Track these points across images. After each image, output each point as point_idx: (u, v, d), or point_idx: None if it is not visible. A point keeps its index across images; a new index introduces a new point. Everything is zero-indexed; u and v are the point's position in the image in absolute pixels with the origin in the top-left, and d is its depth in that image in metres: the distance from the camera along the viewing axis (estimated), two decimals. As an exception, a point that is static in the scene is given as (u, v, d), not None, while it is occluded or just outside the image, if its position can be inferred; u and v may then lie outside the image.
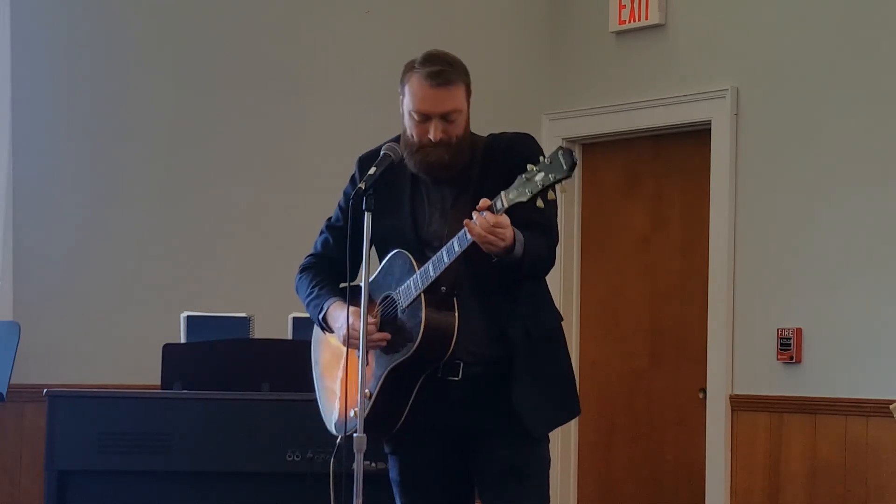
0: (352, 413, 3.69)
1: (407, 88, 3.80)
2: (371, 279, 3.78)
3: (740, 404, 6.24)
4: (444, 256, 3.61)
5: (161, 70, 6.19)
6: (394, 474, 3.91)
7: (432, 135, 3.76)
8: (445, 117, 3.81)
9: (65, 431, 4.85)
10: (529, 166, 3.54)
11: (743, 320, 6.25)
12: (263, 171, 6.40)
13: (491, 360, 3.72)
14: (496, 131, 7.20)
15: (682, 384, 6.59)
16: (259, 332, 5.56)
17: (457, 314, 3.68)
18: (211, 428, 4.89)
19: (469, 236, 3.54)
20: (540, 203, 3.55)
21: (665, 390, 6.70)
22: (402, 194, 3.84)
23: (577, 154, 7.14)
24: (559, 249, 7.47)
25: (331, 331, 3.83)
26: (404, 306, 3.71)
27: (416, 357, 3.67)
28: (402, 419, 3.73)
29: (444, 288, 3.67)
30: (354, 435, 3.71)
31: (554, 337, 3.85)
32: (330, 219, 4.05)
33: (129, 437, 4.85)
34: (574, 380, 3.90)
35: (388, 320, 3.75)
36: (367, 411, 3.68)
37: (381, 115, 6.61)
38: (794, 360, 6.02)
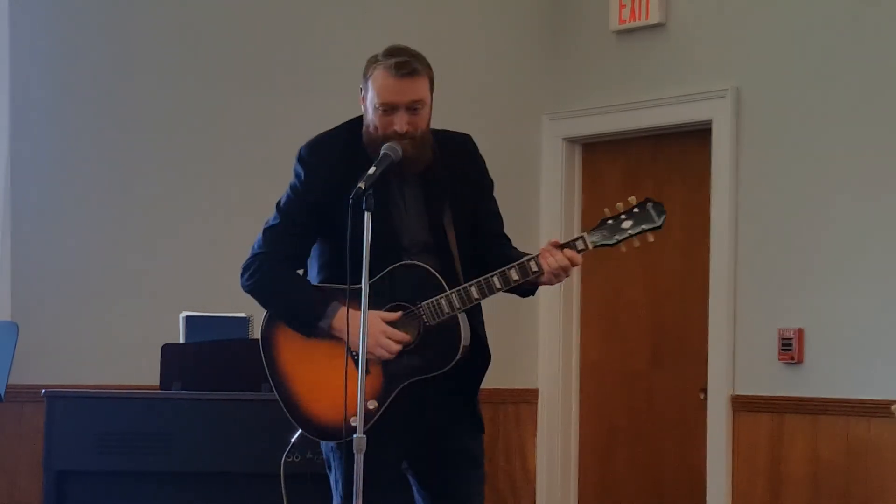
0: (353, 420, 3.60)
1: (371, 83, 3.80)
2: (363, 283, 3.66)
3: (741, 405, 6.23)
4: (497, 283, 3.70)
5: (161, 70, 6.19)
6: (341, 472, 3.80)
7: (398, 126, 3.75)
8: (411, 108, 3.78)
9: (63, 432, 4.85)
10: (616, 211, 3.75)
11: (744, 320, 6.24)
12: (264, 171, 6.38)
13: (465, 360, 3.78)
14: (496, 131, 7.21)
15: (682, 384, 6.58)
16: (258, 332, 5.52)
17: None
18: (210, 428, 4.89)
19: (534, 268, 3.67)
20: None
21: (666, 391, 6.69)
22: (393, 199, 3.82)
23: (578, 154, 7.14)
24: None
25: (328, 335, 3.73)
26: (432, 322, 3.73)
27: (445, 373, 3.73)
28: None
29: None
30: (354, 436, 3.70)
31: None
32: (280, 214, 3.91)
33: (127, 438, 4.85)
34: None
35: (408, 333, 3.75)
36: (373, 421, 3.68)
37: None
38: (795, 361, 6.02)
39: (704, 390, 6.42)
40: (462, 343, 3.73)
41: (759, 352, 6.16)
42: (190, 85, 6.24)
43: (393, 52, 3.78)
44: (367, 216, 3.66)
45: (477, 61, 7.01)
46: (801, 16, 6.14)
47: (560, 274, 3.73)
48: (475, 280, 3.72)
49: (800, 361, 6.02)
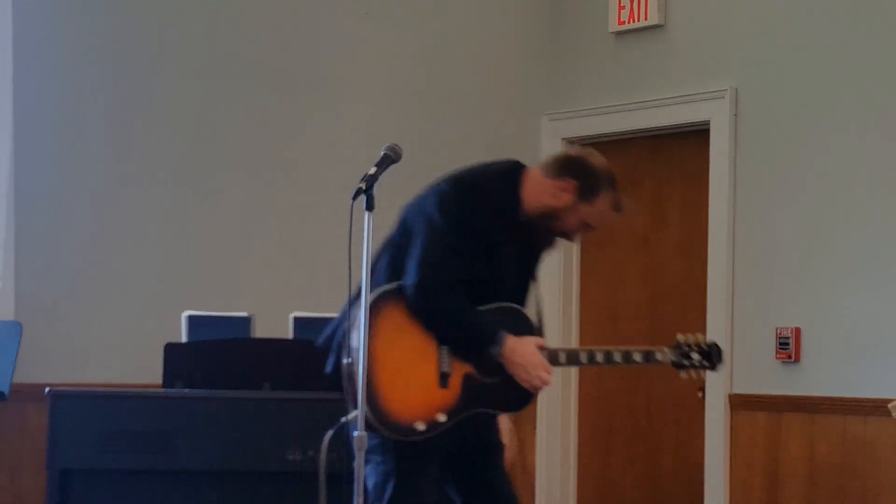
0: (419, 425, 3.93)
1: (593, 202, 4.10)
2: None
3: (739, 403, 6.25)
4: (619, 359, 4.11)
5: (164, 69, 6.20)
6: (392, 466, 3.98)
7: (576, 240, 4.25)
8: None
9: (67, 430, 4.85)
10: (689, 341, 4.18)
11: (742, 320, 6.26)
12: (264, 171, 6.41)
13: None
14: (496, 131, 7.22)
15: (680, 383, 6.52)
16: (259, 331, 5.57)
17: None
18: (212, 427, 4.90)
19: (658, 357, 4.15)
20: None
21: (664, 389, 6.71)
22: (507, 245, 4.09)
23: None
24: (559, 248, 7.51)
25: (498, 356, 3.98)
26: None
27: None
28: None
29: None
30: (354, 434, 3.76)
31: None
32: (444, 241, 4.01)
33: (130, 436, 4.86)
34: None
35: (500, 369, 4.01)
36: (435, 433, 3.95)
37: (382, 115, 6.66)
38: (792, 360, 6.04)
39: (702, 389, 6.44)
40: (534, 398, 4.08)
41: (756, 351, 6.19)
42: (192, 84, 6.26)
43: (615, 181, 4.12)
44: (368, 216, 3.75)
45: (477, 62, 7.03)
46: (800, 16, 6.16)
47: None
48: (603, 348, 4.12)
49: (797, 360, 6.04)
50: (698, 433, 6.43)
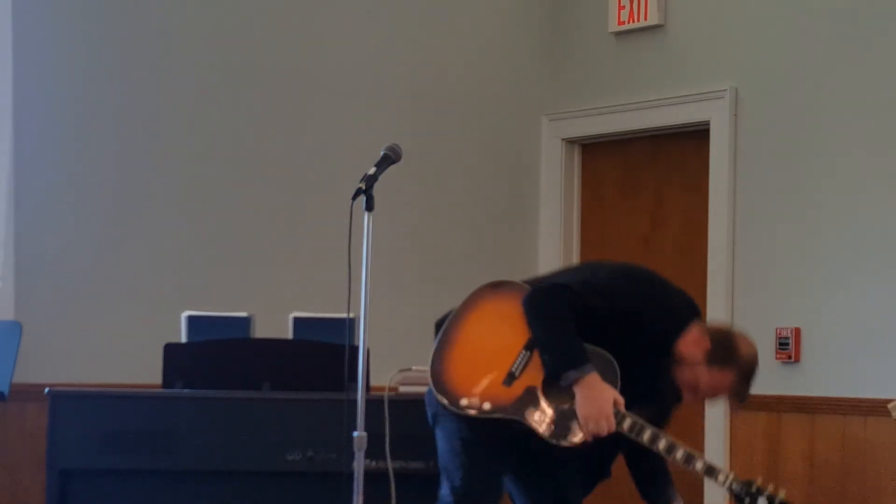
0: (464, 401, 4.05)
1: (718, 373, 4.15)
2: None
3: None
4: (679, 457, 4.06)
5: (161, 71, 6.20)
6: (468, 457, 4.14)
7: (686, 396, 4.26)
8: None
9: (66, 430, 4.85)
10: (765, 487, 4.11)
11: (741, 320, 6.25)
12: (264, 171, 6.42)
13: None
14: (496, 131, 7.22)
15: (681, 384, 6.60)
16: (259, 332, 5.57)
17: None
18: (212, 427, 4.90)
19: (715, 478, 4.08)
20: None
21: (664, 390, 6.71)
22: (644, 359, 4.19)
23: (577, 154, 7.17)
24: (559, 249, 7.48)
25: (574, 381, 4.01)
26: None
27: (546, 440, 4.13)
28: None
29: None
30: (354, 434, 3.77)
31: None
32: (581, 285, 4.15)
33: (130, 437, 4.86)
34: None
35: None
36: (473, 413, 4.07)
37: (382, 115, 6.66)
38: (792, 360, 6.04)
39: (702, 389, 6.45)
40: (579, 443, 4.07)
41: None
42: (192, 85, 6.26)
43: (751, 375, 4.20)
44: (368, 216, 3.77)
45: (477, 62, 7.03)
46: (799, 17, 6.17)
47: None
48: (670, 438, 4.08)
49: (797, 360, 6.04)
50: (698, 433, 6.43)
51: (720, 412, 6.29)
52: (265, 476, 4.92)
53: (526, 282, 4.22)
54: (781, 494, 4.09)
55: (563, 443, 4.05)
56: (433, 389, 4.11)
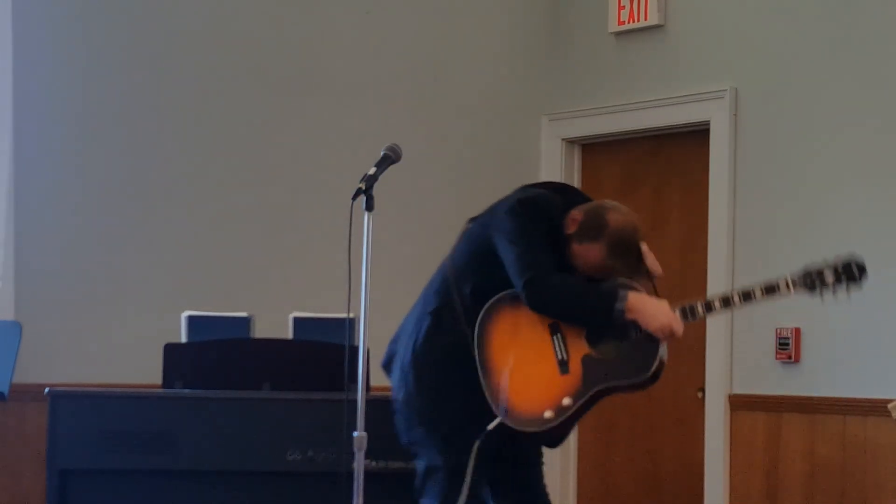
0: (548, 413, 4.07)
1: (590, 246, 4.17)
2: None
3: (739, 404, 6.26)
4: (737, 300, 4.15)
5: (164, 70, 6.20)
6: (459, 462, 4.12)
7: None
8: None
9: (66, 431, 4.85)
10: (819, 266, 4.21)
11: (741, 320, 6.27)
12: (264, 172, 6.42)
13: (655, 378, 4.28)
14: (496, 131, 7.23)
15: (680, 384, 6.61)
16: (259, 332, 5.57)
17: None
18: (212, 427, 4.90)
19: (777, 292, 4.18)
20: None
21: (664, 390, 6.69)
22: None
23: (576, 154, 7.17)
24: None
25: (628, 315, 4.03)
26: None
27: (636, 386, 4.16)
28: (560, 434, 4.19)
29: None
30: (354, 434, 3.76)
31: None
32: (530, 241, 4.14)
33: (130, 437, 4.86)
34: None
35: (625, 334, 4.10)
36: (565, 416, 4.08)
37: (382, 115, 6.67)
38: (792, 360, 6.05)
39: (702, 389, 6.45)
40: (659, 358, 4.08)
41: (756, 351, 6.19)
42: (191, 85, 6.26)
43: (624, 246, 4.19)
44: (368, 216, 3.78)
45: (477, 62, 7.03)
46: (799, 17, 6.17)
47: None
48: (720, 295, 4.16)
49: (797, 361, 6.05)
50: (698, 433, 6.44)
51: (720, 412, 6.29)
52: (265, 476, 4.92)
53: (504, 294, 4.17)
54: (830, 261, 4.16)
55: (653, 369, 4.07)
56: (517, 428, 4.11)
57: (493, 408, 4.08)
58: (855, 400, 5.82)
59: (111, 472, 4.88)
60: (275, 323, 5.59)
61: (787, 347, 6.04)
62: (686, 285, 6.65)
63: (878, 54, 5.88)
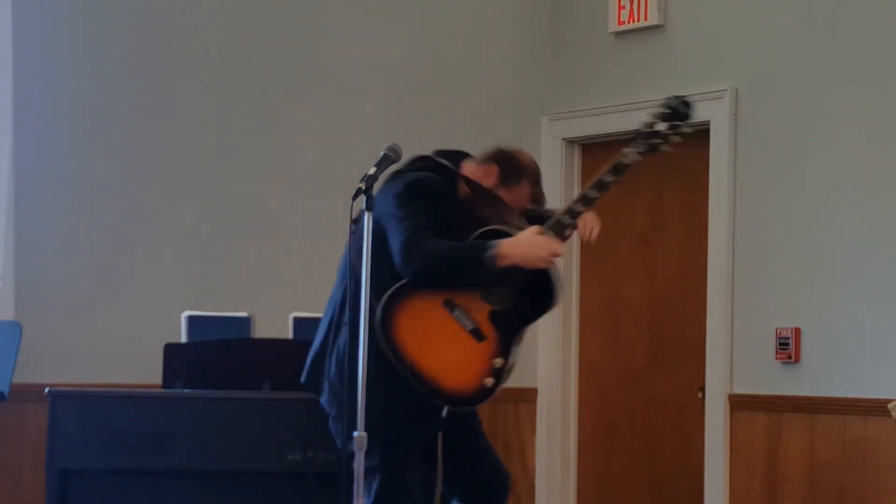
0: (488, 381, 4.14)
1: (515, 188, 4.38)
2: None
3: (739, 404, 6.26)
4: (595, 193, 4.35)
5: (161, 71, 6.21)
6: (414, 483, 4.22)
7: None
8: None
9: (66, 430, 4.86)
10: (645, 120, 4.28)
11: (742, 320, 6.27)
12: (264, 171, 6.42)
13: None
14: (496, 131, 7.27)
15: (681, 384, 6.61)
16: (259, 332, 5.58)
17: None
18: (212, 427, 4.91)
19: (624, 164, 4.32)
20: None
21: (664, 390, 6.71)
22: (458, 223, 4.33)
23: (576, 154, 7.17)
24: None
25: (501, 262, 4.09)
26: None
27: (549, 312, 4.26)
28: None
29: None
30: (354, 434, 3.76)
31: None
32: (414, 212, 4.19)
33: (130, 436, 4.87)
34: None
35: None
36: (505, 376, 4.17)
37: (382, 115, 6.67)
38: (792, 360, 6.04)
39: (702, 389, 6.45)
40: (555, 281, 4.17)
41: (756, 351, 6.19)
42: (191, 85, 6.26)
43: (538, 178, 4.45)
44: (367, 216, 3.78)
45: (477, 62, 7.03)
46: (800, 17, 6.17)
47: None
48: (583, 190, 4.29)
49: (797, 361, 6.04)
50: (698, 433, 6.44)
51: (721, 413, 6.29)
52: (265, 476, 4.92)
53: (391, 292, 4.18)
54: (662, 108, 4.23)
55: (557, 292, 4.18)
56: (463, 409, 4.20)
57: (436, 399, 4.15)
58: (855, 400, 5.82)
59: (111, 471, 4.89)
60: (275, 323, 5.59)
61: (787, 347, 6.04)
62: (686, 285, 6.65)
63: (878, 55, 5.88)
